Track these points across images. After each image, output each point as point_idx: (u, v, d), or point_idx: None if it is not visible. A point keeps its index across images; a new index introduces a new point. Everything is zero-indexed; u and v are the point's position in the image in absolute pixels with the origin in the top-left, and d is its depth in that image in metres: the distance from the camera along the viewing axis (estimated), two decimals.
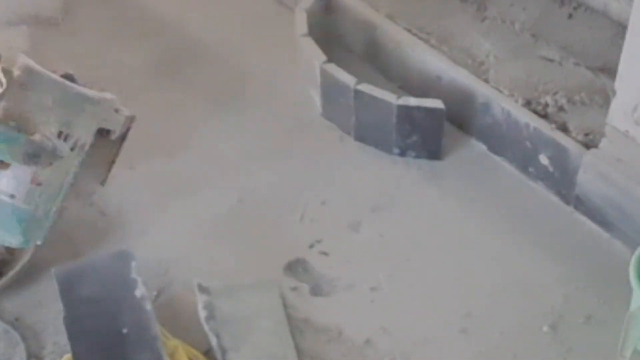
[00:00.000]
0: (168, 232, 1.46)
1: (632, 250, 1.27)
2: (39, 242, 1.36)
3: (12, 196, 1.33)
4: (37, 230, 1.35)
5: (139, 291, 1.28)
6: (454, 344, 1.32)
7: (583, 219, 1.45)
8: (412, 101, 1.51)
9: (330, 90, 1.58)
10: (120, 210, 1.49)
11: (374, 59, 1.67)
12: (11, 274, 1.37)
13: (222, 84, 1.70)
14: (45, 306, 1.36)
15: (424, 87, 1.59)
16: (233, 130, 1.61)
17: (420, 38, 1.61)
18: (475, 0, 1.69)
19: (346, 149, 1.58)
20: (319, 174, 1.54)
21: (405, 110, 1.50)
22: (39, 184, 1.34)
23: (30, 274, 1.39)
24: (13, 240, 1.34)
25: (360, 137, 1.58)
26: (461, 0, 1.69)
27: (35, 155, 1.30)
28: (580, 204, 1.45)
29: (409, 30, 1.62)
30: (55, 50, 1.76)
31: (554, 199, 1.48)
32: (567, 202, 1.47)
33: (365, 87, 1.52)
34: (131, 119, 1.41)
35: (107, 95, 1.39)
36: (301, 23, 1.64)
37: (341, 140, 1.59)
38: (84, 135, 1.35)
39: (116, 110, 1.38)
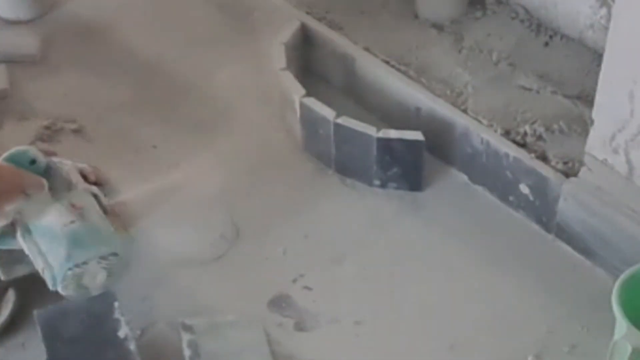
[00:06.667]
0: (151, 269, 1.45)
1: (614, 278, 1.28)
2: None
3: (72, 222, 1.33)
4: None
5: (122, 332, 1.28)
6: None
7: (565, 247, 1.46)
8: (392, 133, 1.51)
9: (309, 123, 1.58)
10: None
11: (353, 91, 1.68)
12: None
13: (202, 119, 1.70)
14: (28, 349, 1.34)
15: (403, 118, 1.59)
16: (214, 165, 1.61)
17: (399, 70, 1.62)
18: (452, 30, 1.71)
19: (327, 182, 1.58)
20: (301, 208, 1.54)
21: (385, 143, 1.51)
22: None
23: (13, 317, 1.37)
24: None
25: (341, 170, 1.58)
26: (438, 31, 1.71)
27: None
28: (561, 232, 1.45)
29: (387, 62, 1.63)
30: (34, 88, 1.76)
31: (536, 227, 1.49)
32: (549, 231, 1.47)
33: (344, 120, 1.53)
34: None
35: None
36: (279, 57, 1.64)
37: (322, 173, 1.60)
38: None
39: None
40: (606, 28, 1.48)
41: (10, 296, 1.38)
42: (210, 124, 1.69)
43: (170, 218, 1.52)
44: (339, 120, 1.53)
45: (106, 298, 1.32)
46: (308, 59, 1.72)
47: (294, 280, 1.44)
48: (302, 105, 1.57)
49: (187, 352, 1.31)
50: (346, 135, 1.53)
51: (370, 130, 1.51)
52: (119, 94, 1.75)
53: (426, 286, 1.42)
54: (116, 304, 1.31)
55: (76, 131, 1.67)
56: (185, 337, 1.33)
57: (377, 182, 1.56)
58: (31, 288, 1.40)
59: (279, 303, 1.41)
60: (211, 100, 1.73)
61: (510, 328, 1.36)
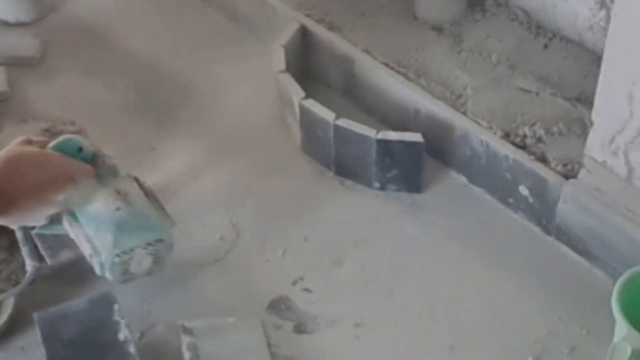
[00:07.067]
0: None
1: (614, 280, 1.28)
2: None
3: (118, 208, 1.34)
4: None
5: (122, 334, 1.28)
6: None
7: (564, 248, 1.46)
8: (391, 135, 1.51)
9: (309, 125, 1.58)
10: None
11: (353, 93, 1.68)
12: None
13: (201, 120, 1.70)
14: (27, 351, 1.34)
15: (402, 120, 1.59)
16: (212, 167, 1.61)
17: (398, 72, 1.62)
18: (451, 32, 1.71)
19: (326, 183, 1.58)
20: (300, 210, 1.54)
21: (384, 145, 1.51)
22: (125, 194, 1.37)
23: (12, 320, 1.37)
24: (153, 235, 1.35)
25: (340, 172, 1.58)
26: (437, 32, 1.71)
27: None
28: (561, 234, 1.45)
29: (387, 64, 1.63)
30: (33, 91, 1.76)
31: (535, 229, 1.49)
32: (548, 233, 1.47)
33: (344, 122, 1.53)
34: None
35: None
36: (279, 59, 1.64)
37: (321, 175, 1.60)
38: None
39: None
40: (605, 30, 1.48)
41: (10, 299, 1.38)
42: (209, 126, 1.69)
43: None
44: (339, 122, 1.53)
45: (106, 300, 1.32)
46: (307, 61, 1.72)
47: (294, 283, 1.44)
48: (301, 107, 1.57)
49: (186, 355, 1.31)
50: (346, 137, 1.53)
51: (370, 132, 1.51)
52: (118, 95, 1.75)
53: (426, 288, 1.42)
54: (116, 306, 1.31)
55: (76, 133, 1.67)
56: (185, 339, 1.33)
57: (376, 184, 1.56)
58: (30, 290, 1.40)
59: (279, 305, 1.41)
60: (210, 102, 1.73)
61: (510, 329, 1.36)
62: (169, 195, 1.56)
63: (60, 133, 1.66)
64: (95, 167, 1.37)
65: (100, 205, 1.34)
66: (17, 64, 1.80)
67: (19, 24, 1.89)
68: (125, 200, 1.36)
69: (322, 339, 1.37)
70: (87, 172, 1.35)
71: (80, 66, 1.81)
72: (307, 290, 1.43)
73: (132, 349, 1.27)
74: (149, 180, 1.57)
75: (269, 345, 1.35)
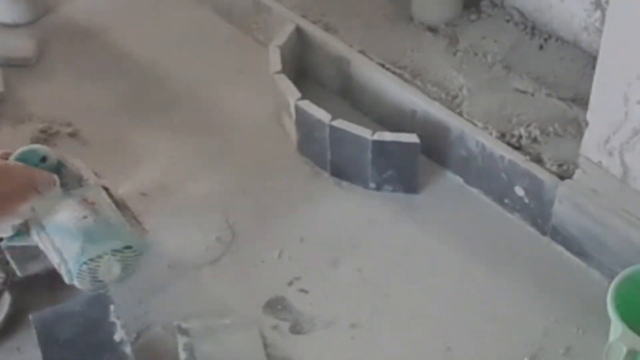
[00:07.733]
0: (146, 273, 1.45)
1: (609, 280, 1.28)
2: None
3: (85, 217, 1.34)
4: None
5: (118, 335, 1.28)
6: None
7: (560, 249, 1.46)
8: (387, 136, 1.51)
9: (305, 126, 1.58)
10: None
11: (349, 94, 1.68)
12: None
13: (197, 121, 1.70)
14: (24, 352, 1.35)
15: (398, 121, 1.60)
16: (208, 168, 1.61)
17: (394, 72, 1.62)
18: (447, 33, 1.71)
19: (322, 184, 1.59)
20: (296, 210, 1.55)
21: (380, 145, 1.51)
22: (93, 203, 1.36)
23: (8, 321, 1.37)
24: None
25: (337, 173, 1.59)
26: (433, 33, 1.71)
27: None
28: (556, 234, 1.46)
29: (382, 65, 1.63)
30: (29, 92, 1.76)
31: (531, 230, 1.49)
32: (544, 233, 1.48)
33: (340, 123, 1.53)
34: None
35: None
36: (275, 60, 1.64)
37: (317, 176, 1.60)
38: None
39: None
40: (600, 31, 1.48)
41: (6, 299, 1.38)
42: (206, 127, 1.69)
43: (165, 221, 1.52)
44: (335, 123, 1.53)
45: (102, 301, 1.32)
46: (303, 62, 1.73)
47: (290, 283, 1.44)
48: (297, 108, 1.57)
49: (183, 355, 1.31)
50: (341, 138, 1.53)
51: (366, 133, 1.51)
52: (115, 97, 1.75)
53: (422, 288, 1.43)
54: (112, 307, 1.31)
55: (72, 134, 1.67)
56: (181, 340, 1.33)
57: (372, 185, 1.56)
58: (27, 291, 1.40)
59: (275, 306, 1.41)
60: (206, 104, 1.73)
61: (506, 330, 1.37)
62: (164, 197, 1.56)
63: (57, 134, 1.67)
64: (60, 176, 1.36)
65: (66, 214, 1.34)
66: (13, 65, 1.80)
67: (15, 25, 1.89)
68: (92, 208, 1.35)
69: (318, 339, 1.37)
70: (50, 181, 1.34)
71: (77, 67, 1.81)
72: (303, 290, 1.43)
73: (128, 349, 1.27)
74: (145, 182, 1.58)
75: (265, 346, 1.35)
